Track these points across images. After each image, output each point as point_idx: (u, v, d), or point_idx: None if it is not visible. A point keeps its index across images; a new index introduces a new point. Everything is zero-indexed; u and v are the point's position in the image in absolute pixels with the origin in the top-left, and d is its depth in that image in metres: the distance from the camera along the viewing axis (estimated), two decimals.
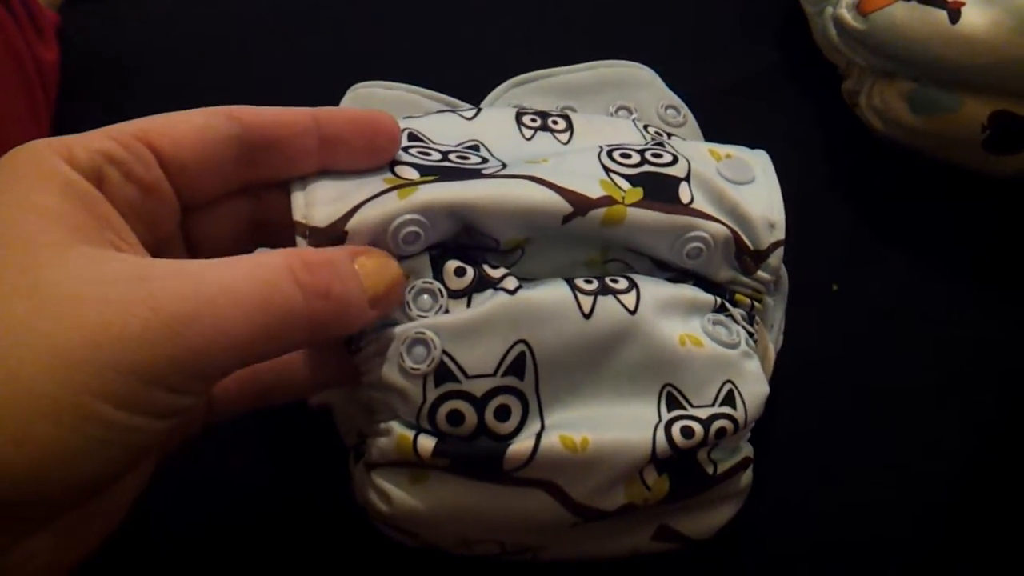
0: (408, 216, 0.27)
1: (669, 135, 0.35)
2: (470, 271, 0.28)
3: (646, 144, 0.32)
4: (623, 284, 0.29)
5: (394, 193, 0.27)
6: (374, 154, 0.28)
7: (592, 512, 0.28)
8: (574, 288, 0.29)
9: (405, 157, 0.29)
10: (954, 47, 0.35)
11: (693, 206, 0.30)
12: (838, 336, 0.37)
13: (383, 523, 0.29)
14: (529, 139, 0.33)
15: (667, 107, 0.38)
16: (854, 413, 0.36)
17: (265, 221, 0.29)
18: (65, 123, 0.42)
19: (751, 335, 0.31)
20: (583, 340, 0.28)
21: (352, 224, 0.27)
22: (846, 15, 0.38)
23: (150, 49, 0.43)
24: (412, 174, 0.29)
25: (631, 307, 0.29)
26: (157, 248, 0.26)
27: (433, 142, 0.31)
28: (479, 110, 0.33)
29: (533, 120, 0.33)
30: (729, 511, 0.31)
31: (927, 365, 0.37)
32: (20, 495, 0.21)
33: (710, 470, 0.29)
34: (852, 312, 0.38)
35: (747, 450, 0.30)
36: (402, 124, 0.30)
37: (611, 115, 0.38)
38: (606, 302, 0.28)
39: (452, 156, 0.30)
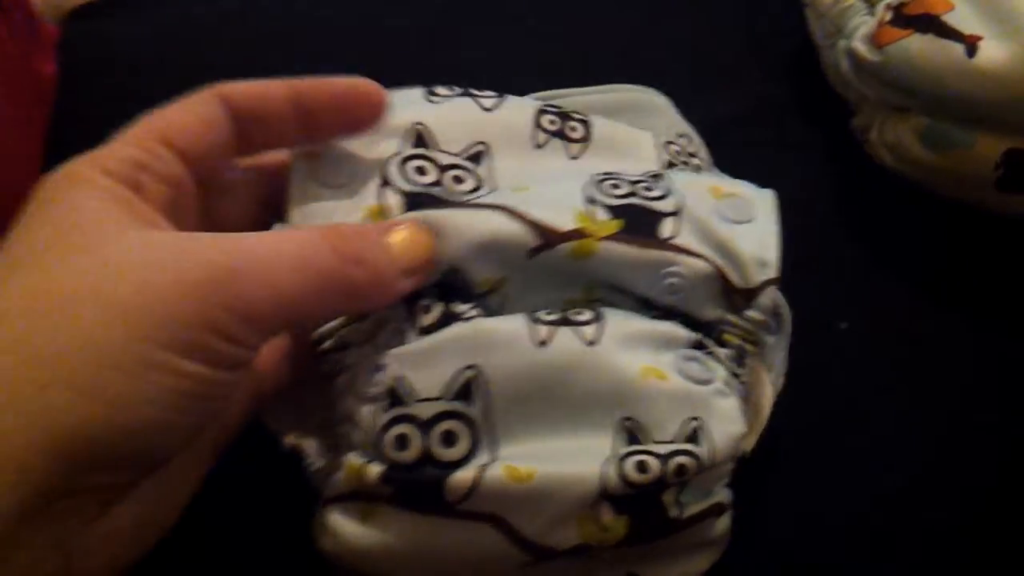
0: None
1: (685, 161, 0.34)
2: (438, 307, 0.29)
3: (646, 173, 0.32)
4: (586, 316, 0.29)
5: None
6: (356, 126, 0.30)
7: (543, 551, 0.27)
8: (534, 319, 0.28)
9: (398, 178, 0.30)
10: (970, 81, 0.34)
11: (674, 241, 0.29)
12: (845, 375, 0.36)
13: (336, 562, 0.28)
14: (541, 146, 0.33)
15: (680, 135, 0.37)
16: (861, 455, 0.35)
17: (279, 201, 0.30)
18: (61, 135, 0.41)
19: (736, 375, 0.30)
20: (536, 369, 0.27)
21: None
22: (861, 47, 0.37)
23: (150, 63, 0.43)
24: (397, 203, 0.29)
25: (590, 338, 0.28)
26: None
27: (438, 148, 0.31)
28: (503, 98, 0.33)
29: (552, 122, 0.33)
30: (703, 562, 0.29)
31: (936, 403, 0.36)
32: (104, 451, 0.22)
33: (675, 513, 0.27)
34: (860, 351, 0.37)
35: (722, 496, 0.29)
36: (415, 116, 0.31)
37: None
38: (564, 332, 0.28)
39: (448, 177, 0.30)
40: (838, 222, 0.40)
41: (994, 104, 0.34)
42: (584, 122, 0.33)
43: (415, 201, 0.30)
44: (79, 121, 0.41)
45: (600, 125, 0.34)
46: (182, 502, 0.27)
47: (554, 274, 0.29)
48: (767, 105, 0.43)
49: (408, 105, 0.32)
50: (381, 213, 0.29)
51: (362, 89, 0.30)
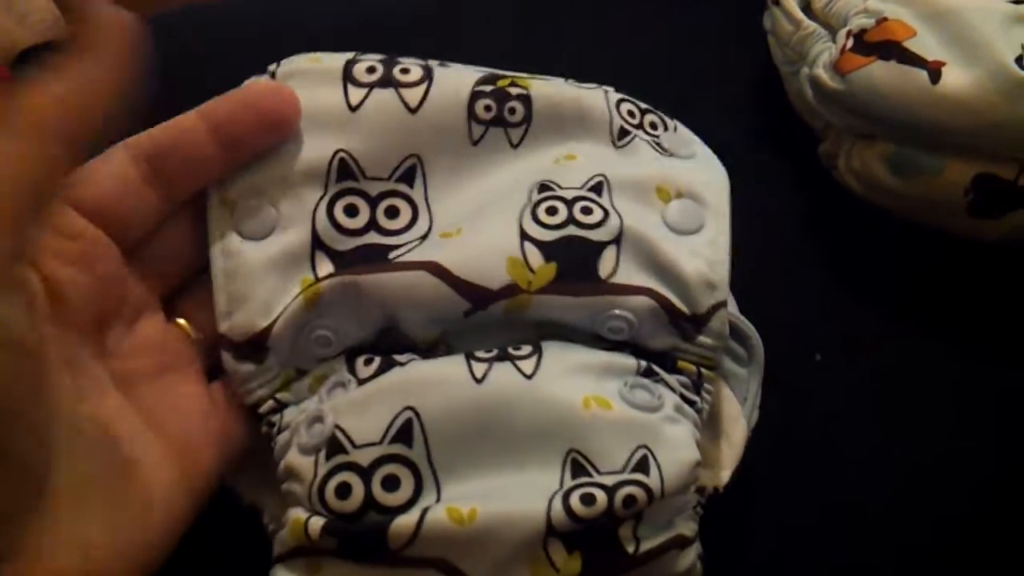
0: (317, 322, 0.29)
1: (638, 124, 0.33)
2: (377, 359, 0.29)
3: (588, 182, 0.31)
4: (525, 350, 0.28)
5: (299, 300, 0.29)
6: (274, 138, 0.30)
7: None
8: (470, 357, 0.28)
9: (328, 231, 0.30)
10: (935, 108, 0.34)
11: (614, 279, 0.29)
12: (821, 407, 0.35)
13: None
14: (477, 141, 0.31)
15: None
16: (837, 488, 0.34)
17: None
18: None
19: (691, 403, 0.29)
20: (474, 405, 0.27)
21: (272, 339, 0.29)
22: (823, 75, 0.37)
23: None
24: (328, 271, 0.29)
25: (528, 371, 0.27)
26: (102, 288, 0.27)
27: (365, 176, 0.30)
28: (428, 84, 0.31)
29: (488, 108, 0.31)
30: None
31: (911, 433, 0.35)
32: None
33: (631, 548, 0.26)
34: (834, 383, 0.36)
35: (684, 527, 0.28)
36: (335, 144, 0.30)
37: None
38: (501, 367, 0.27)
39: (380, 212, 0.30)
40: (809, 250, 0.39)
41: (960, 130, 0.34)
42: (525, 97, 0.32)
43: (348, 262, 0.29)
44: None
45: (543, 95, 0.32)
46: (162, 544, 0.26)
47: (494, 326, 0.29)
48: (734, 134, 0.42)
49: (327, 116, 0.31)
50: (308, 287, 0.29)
51: (271, 94, 0.30)
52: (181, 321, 0.30)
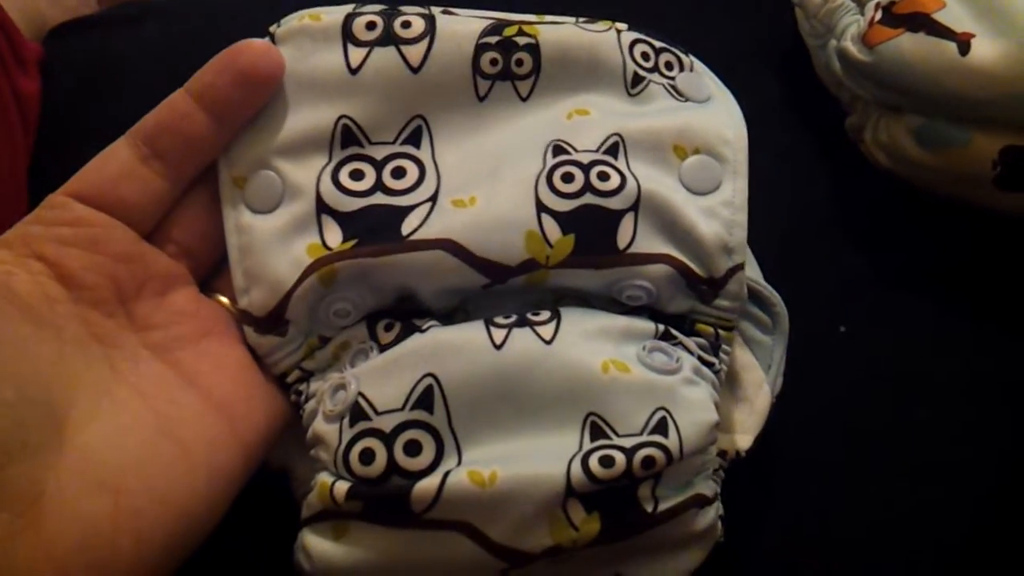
0: (334, 296, 0.29)
1: (653, 67, 0.32)
2: (398, 324, 0.29)
3: (603, 143, 0.30)
4: (544, 316, 0.28)
5: (314, 278, 0.28)
6: (258, 94, 0.30)
7: (516, 555, 0.26)
8: (490, 323, 0.28)
9: (333, 194, 0.29)
10: (964, 80, 0.34)
11: (632, 249, 0.29)
12: (843, 379, 0.36)
13: None
14: (484, 97, 0.31)
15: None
16: (861, 459, 0.34)
17: None
18: (45, 155, 0.40)
19: (710, 365, 0.29)
20: (494, 371, 0.27)
21: (290, 313, 0.29)
22: (851, 48, 0.37)
23: (134, 80, 0.42)
24: (336, 236, 0.29)
25: (547, 337, 0.28)
26: (117, 265, 0.28)
27: (370, 141, 0.30)
28: (430, 39, 0.30)
29: (494, 62, 0.31)
30: (693, 558, 0.28)
31: (937, 405, 0.35)
32: None
33: (650, 508, 0.27)
34: (859, 354, 0.36)
35: (703, 487, 0.28)
36: (338, 110, 0.30)
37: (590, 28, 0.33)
38: (520, 333, 0.28)
39: (387, 173, 0.30)
40: (834, 223, 0.39)
41: (988, 102, 0.34)
42: (533, 47, 0.31)
43: (356, 226, 0.29)
44: (63, 140, 0.41)
45: (552, 43, 0.31)
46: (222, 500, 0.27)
47: (513, 294, 0.29)
48: (760, 107, 0.42)
49: (328, 81, 0.30)
50: (321, 260, 0.29)
51: (247, 52, 0.30)
52: (221, 297, 0.31)
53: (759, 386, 0.31)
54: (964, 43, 0.34)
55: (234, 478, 0.28)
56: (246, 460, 0.28)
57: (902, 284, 0.38)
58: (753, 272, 0.32)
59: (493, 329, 0.28)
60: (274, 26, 0.31)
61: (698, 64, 0.34)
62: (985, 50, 0.33)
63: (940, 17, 0.34)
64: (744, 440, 0.30)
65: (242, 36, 0.30)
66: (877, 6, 0.36)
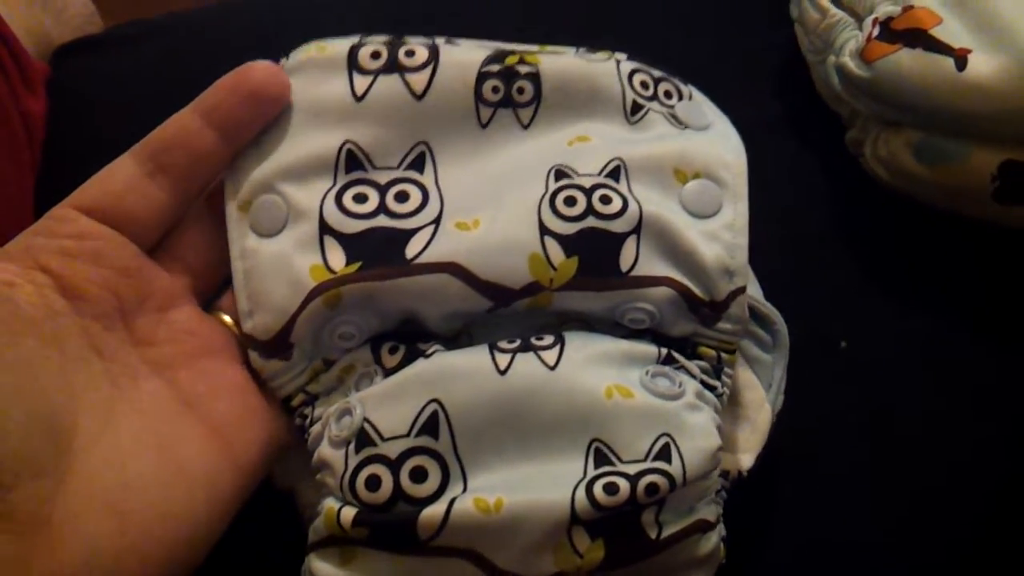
0: (339, 319, 0.29)
1: (652, 96, 0.33)
2: (402, 348, 0.29)
3: (606, 167, 0.30)
4: (547, 340, 0.28)
5: (319, 301, 0.28)
6: (264, 112, 0.30)
7: None
8: (494, 348, 0.28)
9: (336, 216, 0.30)
10: (961, 95, 0.34)
11: (635, 272, 0.29)
12: (846, 394, 0.36)
13: None
14: (486, 124, 0.31)
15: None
16: (863, 473, 0.34)
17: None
18: (51, 173, 0.41)
19: (712, 388, 0.29)
20: (498, 397, 0.27)
21: (295, 336, 0.29)
22: (849, 63, 0.37)
23: (140, 98, 0.42)
24: (339, 257, 0.29)
25: (551, 362, 0.28)
26: (119, 279, 0.29)
27: (374, 166, 0.30)
28: (434, 67, 0.31)
29: (496, 90, 0.31)
30: None
31: (939, 418, 0.35)
32: None
33: (654, 534, 0.27)
34: (859, 369, 0.36)
35: (706, 512, 0.28)
36: (342, 135, 0.30)
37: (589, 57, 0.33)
38: (524, 358, 0.28)
39: (390, 196, 0.30)
40: (835, 238, 0.39)
41: (986, 117, 0.34)
42: (533, 75, 0.31)
43: (359, 248, 0.29)
44: (69, 158, 0.41)
45: (552, 73, 0.32)
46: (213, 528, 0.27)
47: (516, 318, 0.29)
48: (760, 122, 0.42)
49: (333, 108, 0.31)
50: (326, 284, 0.29)
51: (256, 71, 0.30)
52: (224, 316, 0.31)
53: (760, 405, 0.31)
54: (961, 59, 0.34)
55: (231, 499, 0.28)
56: (242, 482, 0.28)
57: (903, 298, 0.38)
58: (753, 290, 0.32)
59: (497, 354, 0.28)
60: (283, 59, 0.32)
61: (697, 93, 0.34)
62: (982, 66, 0.33)
63: (937, 33, 0.35)
64: (746, 459, 0.30)
65: (245, 57, 0.31)
66: (875, 22, 0.36)
